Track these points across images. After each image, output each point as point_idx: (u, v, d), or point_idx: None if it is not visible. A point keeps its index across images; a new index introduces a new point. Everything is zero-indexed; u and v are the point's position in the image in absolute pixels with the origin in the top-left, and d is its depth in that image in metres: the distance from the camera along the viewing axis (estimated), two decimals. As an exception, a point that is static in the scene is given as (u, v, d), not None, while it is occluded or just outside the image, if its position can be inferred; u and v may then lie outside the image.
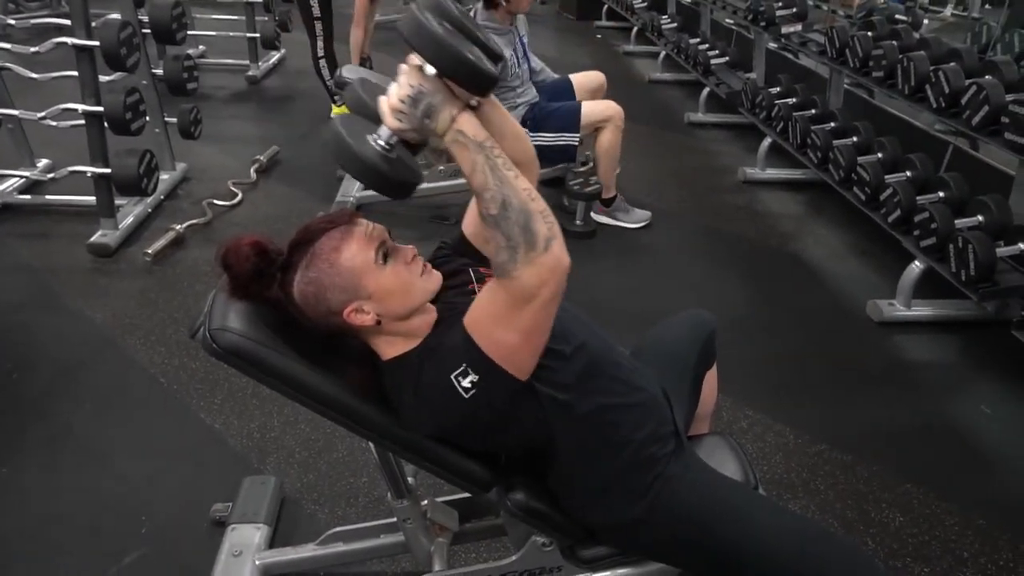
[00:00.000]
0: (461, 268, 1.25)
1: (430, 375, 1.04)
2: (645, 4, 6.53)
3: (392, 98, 0.94)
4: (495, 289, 0.99)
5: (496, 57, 1.02)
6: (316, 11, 4.09)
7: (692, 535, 1.20)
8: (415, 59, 0.95)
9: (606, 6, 7.72)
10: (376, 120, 0.97)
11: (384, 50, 6.11)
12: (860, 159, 3.07)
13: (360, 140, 0.93)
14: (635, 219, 3.36)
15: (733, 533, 1.19)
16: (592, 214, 3.35)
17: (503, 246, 0.93)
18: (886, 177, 2.92)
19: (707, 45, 4.93)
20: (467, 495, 1.46)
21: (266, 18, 5.33)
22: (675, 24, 5.72)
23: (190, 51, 4.69)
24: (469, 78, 0.92)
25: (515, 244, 0.93)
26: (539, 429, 1.12)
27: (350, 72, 3.31)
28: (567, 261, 0.95)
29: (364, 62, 4.39)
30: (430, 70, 0.93)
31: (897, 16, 3.67)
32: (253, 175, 3.66)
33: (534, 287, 0.94)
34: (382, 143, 0.94)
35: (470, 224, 1.29)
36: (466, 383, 1.00)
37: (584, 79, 3.45)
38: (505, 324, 0.99)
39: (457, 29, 0.96)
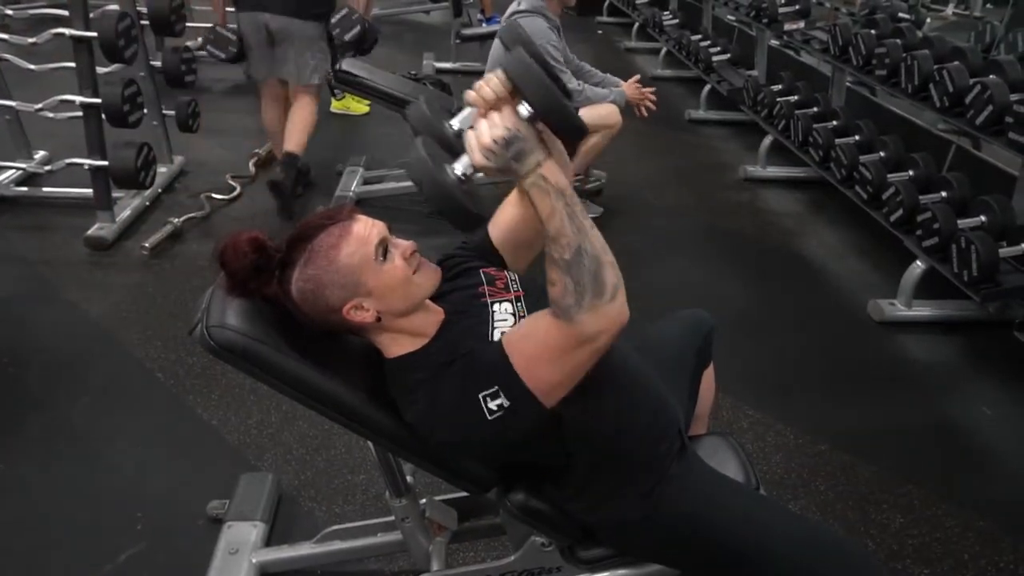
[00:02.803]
0: (471, 269, 1.24)
1: (452, 389, 1.03)
2: (647, 0, 6.51)
3: (484, 136, 0.93)
4: (551, 327, 0.98)
5: (568, 96, 1.02)
6: None
7: (693, 536, 1.20)
8: (490, 91, 0.95)
9: (608, 2, 7.70)
10: (441, 141, 0.99)
11: (389, 44, 6.09)
12: (862, 158, 3.06)
13: (441, 168, 0.93)
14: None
15: (734, 534, 1.18)
16: None
17: (571, 290, 0.94)
18: (888, 176, 2.91)
19: (709, 42, 4.91)
20: (466, 494, 1.45)
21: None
22: (677, 20, 5.71)
23: (189, 43, 4.66)
24: (567, 126, 0.95)
25: (583, 290, 0.94)
26: (551, 445, 1.12)
27: (349, 66, 3.30)
28: (627, 314, 0.98)
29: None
30: (524, 112, 0.94)
31: (900, 14, 3.65)
32: (251, 169, 3.64)
33: (593, 334, 0.96)
34: (459, 174, 0.95)
35: (497, 229, 1.28)
36: (493, 405, 1.00)
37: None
38: (554, 362, 0.99)
39: (547, 73, 0.96)
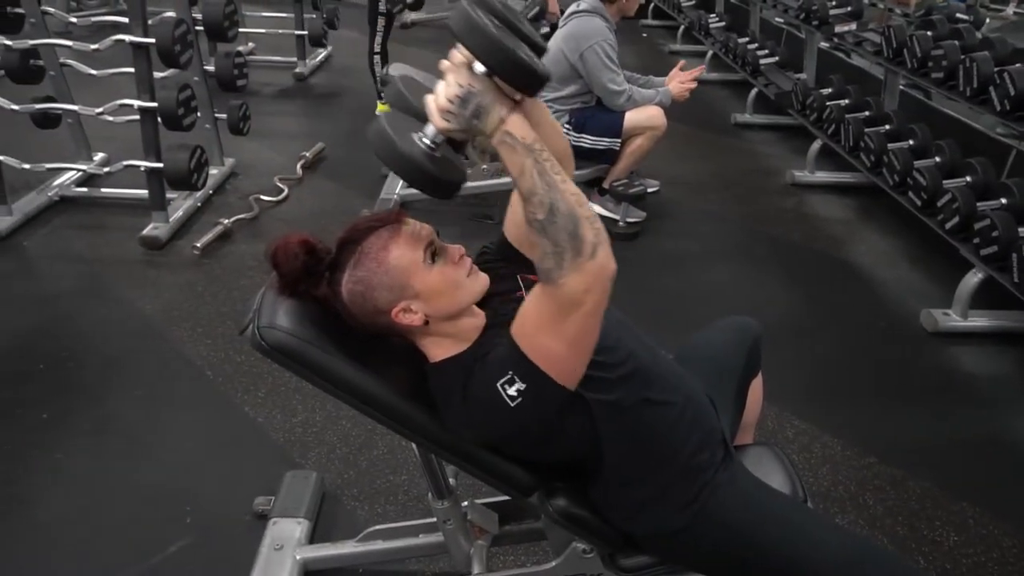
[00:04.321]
0: (508, 274, 1.23)
1: (478, 384, 1.03)
2: (692, 2, 6.44)
3: (440, 97, 0.92)
4: (540, 296, 0.97)
5: (541, 51, 0.99)
6: (383, 6, 4.22)
7: (738, 547, 1.18)
8: (460, 56, 0.93)
9: (652, 4, 7.64)
10: (419, 117, 0.96)
11: (432, 47, 6.15)
12: (916, 163, 2.98)
13: (405, 138, 0.92)
14: (626, 214, 3.21)
15: (781, 547, 1.16)
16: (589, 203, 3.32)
17: (549, 252, 0.91)
18: (944, 182, 2.82)
19: (756, 44, 4.83)
20: (507, 498, 1.45)
21: (314, 16, 5.40)
22: (723, 23, 5.63)
23: (240, 48, 4.77)
24: (521, 77, 0.90)
25: (562, 250, 0.90)
26: (585, 441, 1.11)
27: (396, 70, 3.34)
28: (613, 267, 0.93)
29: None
30: (479, 68, 0.91)
31: (958, 15, 3.55)
32: (299, 171, 3.71)
33: (580, 294, 0.92)
34: (428, 142, 0.93)
35: (512, 226, 1.28)
36: (512, 391, 0.98)
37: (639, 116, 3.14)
38: (551, 332, 0.97)
39: (504, 24, 0.94)
